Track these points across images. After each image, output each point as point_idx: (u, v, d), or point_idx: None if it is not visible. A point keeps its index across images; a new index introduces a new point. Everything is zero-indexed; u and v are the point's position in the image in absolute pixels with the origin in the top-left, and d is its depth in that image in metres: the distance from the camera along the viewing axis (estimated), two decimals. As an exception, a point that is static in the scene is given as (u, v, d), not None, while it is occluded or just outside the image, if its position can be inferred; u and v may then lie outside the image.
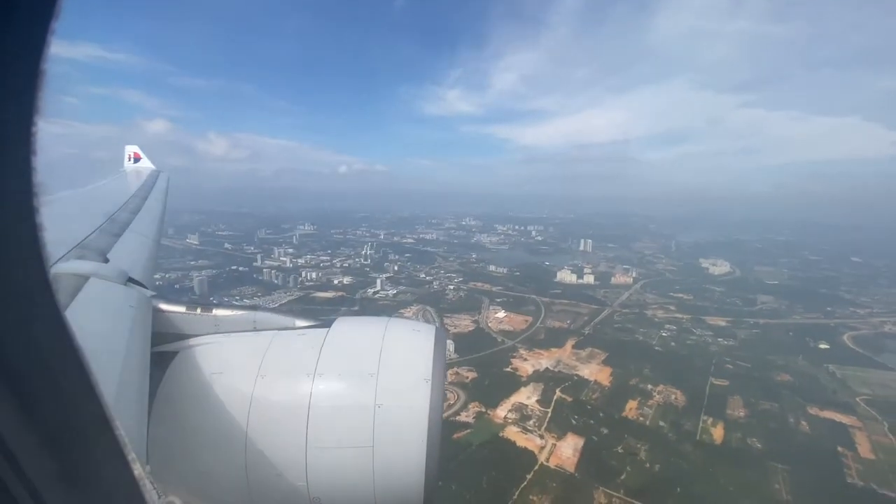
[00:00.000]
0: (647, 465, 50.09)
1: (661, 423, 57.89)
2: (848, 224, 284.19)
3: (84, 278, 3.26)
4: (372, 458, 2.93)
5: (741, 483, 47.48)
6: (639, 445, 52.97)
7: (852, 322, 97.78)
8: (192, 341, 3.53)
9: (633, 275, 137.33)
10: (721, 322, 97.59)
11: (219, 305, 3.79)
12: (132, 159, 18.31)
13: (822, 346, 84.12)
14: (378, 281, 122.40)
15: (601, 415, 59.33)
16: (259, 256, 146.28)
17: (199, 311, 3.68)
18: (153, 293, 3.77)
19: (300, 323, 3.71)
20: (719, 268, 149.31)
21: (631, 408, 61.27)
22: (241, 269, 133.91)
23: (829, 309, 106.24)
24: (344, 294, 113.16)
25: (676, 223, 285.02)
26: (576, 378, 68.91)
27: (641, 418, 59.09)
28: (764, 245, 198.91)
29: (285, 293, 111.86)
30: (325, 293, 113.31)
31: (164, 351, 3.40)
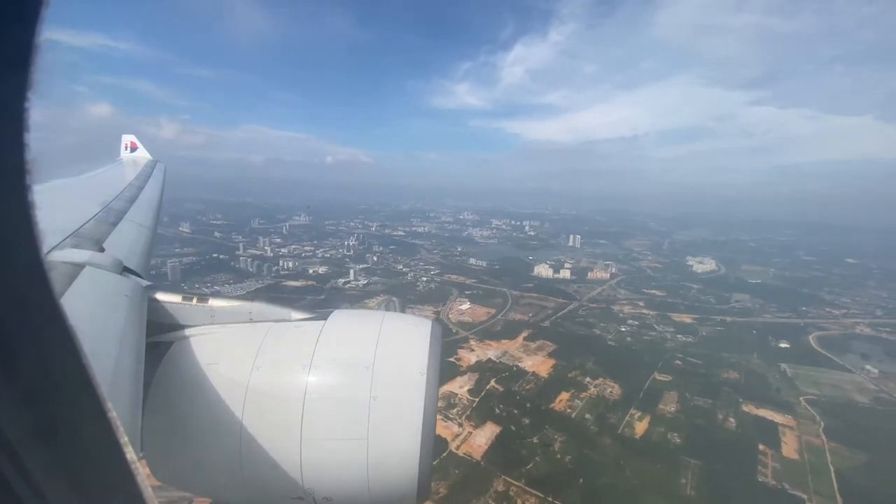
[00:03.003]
0: (559, 455, 49.78)
1: (587, 416, 57.39)
2: (855, 225, 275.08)
3: (79, 267, 3.21)
4: (367, 450, 2.93)
5: (648, 476, 46.90)
6: (555, 436, 52.70)
7: (824, 322, 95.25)
8: (187, 332, 3.51)
9: (612, 270, 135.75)
10: (687, 319, 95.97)
11: (215, 296, 3.77)
12: (129, 148, 17.89)
13: (783, 345, 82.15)
14: (351, 271, 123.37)
15: (528, 405, 59.06)
16: (242, 245, 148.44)
17: (194, 301, 3.66)
18: (149, 283, 3.75)
19: (296, 315, 3.68)
20: (704, 266, 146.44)
21: (561, 399, 60.85)
22: (221, 256, 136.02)
23: (803, 309, 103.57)
24: (314, 283, 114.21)
25: (678, 221, 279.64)
26: (515, 369, 68.63)
27: (569, 410, 58.66)
28: (759, 244, 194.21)
29: (257, 281, 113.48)
30: (295, 282, 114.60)
31: (159, 341, 3.41)
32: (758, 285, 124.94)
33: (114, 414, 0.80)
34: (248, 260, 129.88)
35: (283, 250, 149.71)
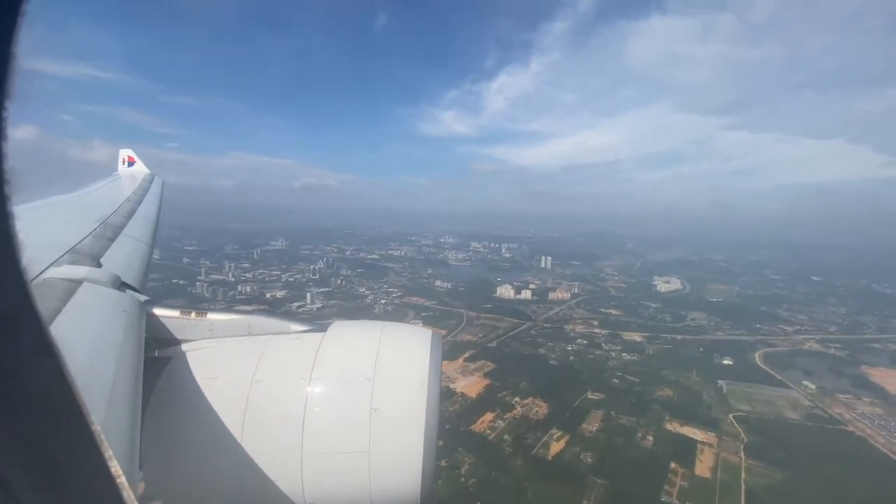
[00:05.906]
0: (463, 478, 48.16)
1: (506, 437, 55.97)
2: (827, 244, 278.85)
3: (77, 283, 3.20)
4: (368, 462, 2.90)
5: (550, 498, 45.41)
6: (466, 458, 51.20)
7: (773, 339, 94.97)
8: (186, 346, 3.50)
9: (575, 291, 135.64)
10: (637, 337, 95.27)
11: (214, 310, 3.82)
12: (126, 163, 17.82)
13: (726, 361, 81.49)
14: (308, 295, 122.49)
15: (447, 427, 57.51)
16: (203, 270, 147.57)
17: (193, 315, 3.68)
18: (147, 298, 3.75)
19: (296, 327, 3.68)
20: (669, 285, 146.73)
21: (483, 421, 59.45)
22: (180, 282, 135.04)
23: (756, 326, 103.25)
24: (267, 307, 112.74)
25: (656, 242, 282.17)
26: (444, 390, 66.95)
27: (488, 431, 57.23)
28: (729, 264, 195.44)
29: (210, 306, 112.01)
30: (248, 307, 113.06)
31: (157, 356, 3.39)
32: (717, 303, 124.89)
33: (97, 428, 0.78)
34: (205, 285, 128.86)
35: (247, 275, 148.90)
